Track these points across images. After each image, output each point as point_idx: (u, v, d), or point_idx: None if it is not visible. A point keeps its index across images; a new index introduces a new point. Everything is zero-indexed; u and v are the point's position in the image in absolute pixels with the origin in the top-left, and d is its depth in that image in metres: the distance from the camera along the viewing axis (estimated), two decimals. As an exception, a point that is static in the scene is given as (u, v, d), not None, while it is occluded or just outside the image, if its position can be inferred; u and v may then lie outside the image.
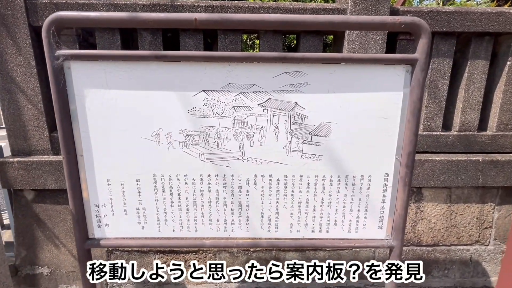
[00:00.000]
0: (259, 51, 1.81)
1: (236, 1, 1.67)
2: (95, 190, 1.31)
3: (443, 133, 1.95)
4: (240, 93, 1.26)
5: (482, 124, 2.05)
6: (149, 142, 1.28)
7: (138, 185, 1.33)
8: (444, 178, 1.89)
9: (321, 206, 1.39)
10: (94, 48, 1.82)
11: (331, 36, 2.43)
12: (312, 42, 1.74)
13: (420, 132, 1.94)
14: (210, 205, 1.37)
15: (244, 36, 2.24)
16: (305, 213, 1.40)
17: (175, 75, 1.21)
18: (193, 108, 1.26)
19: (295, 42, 2.45)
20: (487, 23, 1.76)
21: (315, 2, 2.06)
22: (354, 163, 1.34)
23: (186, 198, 1.35)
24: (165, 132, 1.27)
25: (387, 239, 1.42)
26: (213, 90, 1.24)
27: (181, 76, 1.22)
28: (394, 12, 1.69)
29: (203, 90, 1.24)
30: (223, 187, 1.35)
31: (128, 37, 1.94)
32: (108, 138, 1.26)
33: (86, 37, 1.88)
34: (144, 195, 1.34)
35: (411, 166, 1.31)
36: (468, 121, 1.94)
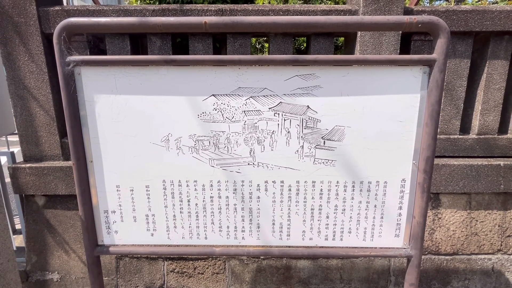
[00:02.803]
0: (268, 55, 1.78)
1: (245, 5, 1.66)
2: (104, 196, 1.30)
3: (461, 136, 1.87)
4: (251, 97, 1.23)
5: (503, 126, 1.96)
6: (159, 148, 1.26)
7: (147, 191, 1.31)
8: (463, 184, 1.80)
9: (334, 213, 1.34)
10: (105, 54, 1.83)
11: (342, 38, 2.38)
12: (323, 44, 1.71)
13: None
14: (220, 212, 1.34)
15: (253, 39, 2.22)
16: (318, 220, 1.35)
17: (184, 79, 1.20)
18: (202, 113, 1.24)
19: (305, 45, 2.41)
20: (506, 22, 1.69)
21: (325, 4, 2.02)
22: (369, 168, 1.29)
23: (196, 204, 1.33)
24: (175, 137, 1.25)
25: (404, 248, 1.36)
26: (223, 95, 1.22)
27: (190, 80, 1.20)
28: (408, 12, 1.64)
29: (213, 95, 1.22)
30: (234, 193, 1.32)
31: (138, 42, 1.95)
32: (118, 143, 1.25)
33: (97, 43, 1.89)
34: (153, 201, 1.32)
35: (429, 172, 1.25)
36: (488, 123, 1.86)
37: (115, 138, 1.25)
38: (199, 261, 2.01)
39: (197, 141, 1.26)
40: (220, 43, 2.17)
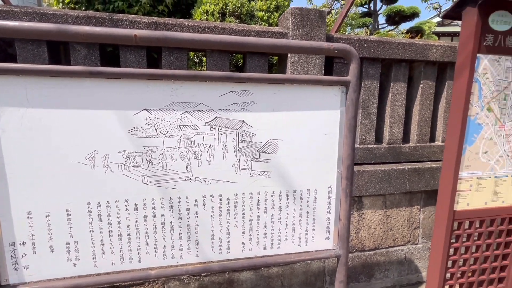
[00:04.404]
0: (206, 69, 1.81)
1: (181, 19, 1.65)
2: (10, 226, 1.10)
3: (376, 146, 2.18)
4: (186, 111, 1.23)
5: (406, 136, 2.35)
6: (82, 166, 1.14)
7: (69, 216, 1.17)
8: (380, 187, 2.09)
9: (271, 222, 1.40)
10: (14, 59, 1.59)
11: (276, 57, 2.57)
12: (258, 62, 1.81)
13: (357, 145, 2.13)
14: (155, 231, 1.27)
15: (191, 53, 2.22)
16: (257, 230, 1.39)
17: (113, 92, 1.13)
18: (134, 127, 1.18)
19: (242, 61, 2.53)
20: (403, 52, 2.06)
21: (259, 24, 2.16)
22: (301, 178, 1.40)
23: (128, 226, 1.23)
24: (102, 154, 1.15)
25: (334, 249, 1.49)
26: (157, 109, 1.19)
27: (120, 94, 1.14)
28: (329, 38, 1.87)
29: (145, 109, 1.18)
30: (170, 210, 1.27)
31: (59, 49, 1.76)
32: (30, 163, 1.09)
33: (3, 47, 1.64)
34: (76, 226, 1.18)
35: (350, 178, 1.42)
36: (395, 134, 2.22)
37: (26, 157, 1.09)
38: (133, 287, 1.84)
39: (127, 158, 1.19)
40: (158, 53, 2.11)
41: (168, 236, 1.29)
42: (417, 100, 2.24)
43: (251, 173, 1.34)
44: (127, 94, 1.15)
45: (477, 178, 1.67)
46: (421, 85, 2.21)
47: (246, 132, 1.30)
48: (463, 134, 1.54)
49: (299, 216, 1.43)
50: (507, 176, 1.73)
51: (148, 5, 2.02)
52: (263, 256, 1.41)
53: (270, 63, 2.26)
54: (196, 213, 1.31)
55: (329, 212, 1.47)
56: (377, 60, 2.06)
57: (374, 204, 2.14)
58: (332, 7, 7.49)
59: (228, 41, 1.18)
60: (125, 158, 1.18)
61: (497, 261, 1.84)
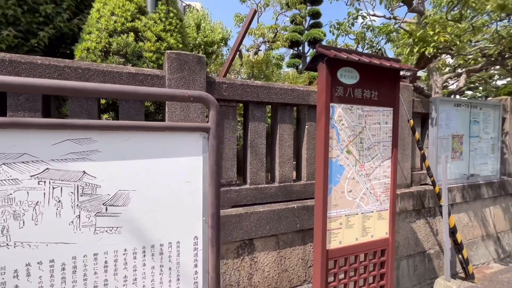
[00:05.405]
0: (69, 114, 1.63)
1: (34, 57, 1.50)
2: None
3: (267, 185, 2.22)
4: (3, 164, 1.04)
5: (299, 174, 2.47)
6: None
7: None
8: (270, 227, 2.09)
9: (124, 285, 1.23)
10: None
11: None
12: (132, 104, 1.73)
13: (248, 186, 2.14)
14: None
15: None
16: (104, 298, 1.20)
17: None
18: None
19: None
20: (285, 97, 2.24)
21: (147, 65, 2.12)
22: (160, 231, 1.29)
23: None
24: None
25: (203, 306, 1.37)
26: (-44, 162, 0.98)
27: None
28: (210, 83, 1.92)
29: None
30: (-28, 289, 1.01)
31: None
32: None
33: None
34: None
35: (216, 227, 1.37)
36: (285, 173, 2.30)
37: None
38: None
39: None
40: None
41: (-30, 323, 1.01)
42: (304, 140, 2.41)
43: (95, 230, 1.18)
44: None
45: (345, 216, 1.80)
46: (306, 126, 2.39)
47: (88, 184, 1.17)
48: (326, 175, 1.66)
49: (160, 273, 1.29)
50: (372, 211, 1.90)
51: (15, 38, 1.81)
52: (113, 328, 1.21)
53: (160, 105, 2.19)
54: (16, 286, 1.06)
55: (196, 266, 1.37)
56: (262, 103, 2.18)
57: (267, 245, 2.12)
58: (259, 48, 8.12)
59: (57, 86, 1.08)
60: None
61: (374, 293, 1.94)
